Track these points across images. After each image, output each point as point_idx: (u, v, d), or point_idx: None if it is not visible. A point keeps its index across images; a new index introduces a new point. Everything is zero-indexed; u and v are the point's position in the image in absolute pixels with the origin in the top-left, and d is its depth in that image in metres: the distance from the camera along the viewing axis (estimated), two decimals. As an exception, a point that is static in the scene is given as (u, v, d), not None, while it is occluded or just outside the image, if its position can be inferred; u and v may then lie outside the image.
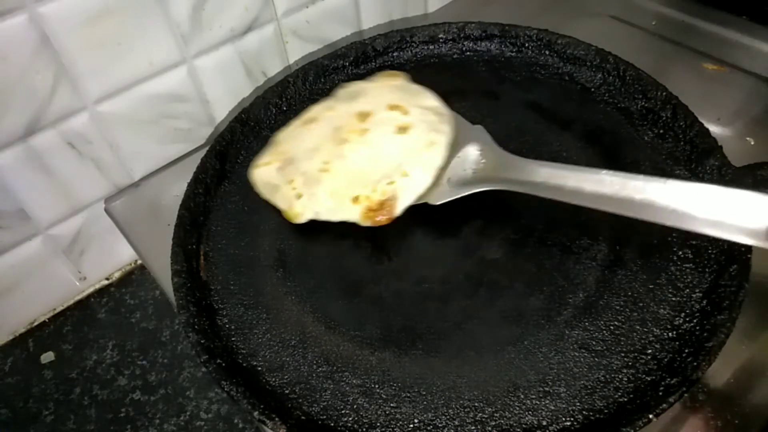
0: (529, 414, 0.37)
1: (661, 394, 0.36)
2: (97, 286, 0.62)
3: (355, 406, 0.38)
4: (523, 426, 0.36)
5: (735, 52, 0.62)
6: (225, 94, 0.62)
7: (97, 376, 0.54)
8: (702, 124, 0.48)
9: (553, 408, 0.37)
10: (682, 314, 0.40)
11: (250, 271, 0.46)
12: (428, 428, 0.37)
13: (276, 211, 0.48)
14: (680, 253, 0.43)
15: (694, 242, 0.43)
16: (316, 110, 0.52)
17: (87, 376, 0.54)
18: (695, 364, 0.36)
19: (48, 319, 0.59)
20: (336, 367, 0.40)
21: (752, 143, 0.54)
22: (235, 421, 0.50)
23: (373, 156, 0.46)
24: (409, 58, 0.61)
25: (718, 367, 0.36)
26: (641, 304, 0.41)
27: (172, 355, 0.55)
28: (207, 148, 0.52)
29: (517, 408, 0.37)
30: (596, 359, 0.39)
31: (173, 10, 0.53)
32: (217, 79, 0.60)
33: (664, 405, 0.34)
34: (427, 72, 0.60)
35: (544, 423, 0.36)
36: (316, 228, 0.47)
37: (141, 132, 0.57)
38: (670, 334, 0.39)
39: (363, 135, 0.47)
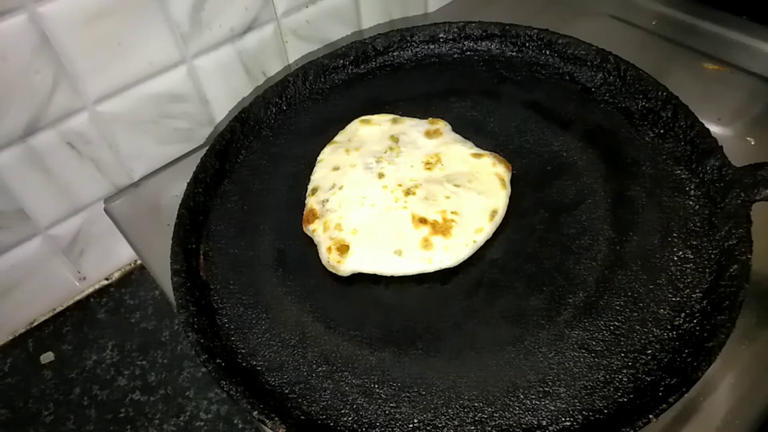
0: (528, 414, 0.37)
1: (661, 394, 0.36)
2: (97, 286, 0.62)
3: (354, 406, 0.38)
4: (523, 426, 0.36)
5: (735, 52, 0.62)
6: (225, 94, 0.62)
7: (97, 377, 0.54)
8: (702, 124, 0.47)
9: (552, 408, 0.37)
10: (682, 314, 0.40)
11: (249, 270, 0.46)
12: (428, 428, 0.37)
13: (275, 211, 0.48)
14: (680, 253, 0.43)
15: (694, 242, 0.43)
16: None
17: (87, 376, 0.54)
18: (695, 364, 0.36)
19: (48, 319, 0.59)
20: (336, 367, 0.40)
21: (752, 143, 0.54)
22: (235, 421, 0.50)
23: None
24: (409, 58, 0.61)
25: (718, 367, 0.36)
26: (641, 304, 0.41)
27: (172, 355, 0.55)
28: (207, 148, 0.52)
29: (517, 408, 0.37)
30: (596, 359, 0.39)
31: (173, 9, 0.53)
32: (216, 79, 0.60)
33: (664, 405, 0.34)
34: (427, 71, 0.60)
35: (544, 423, 0.36)
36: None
37: (141, 132, 0.57)
38: (670, 334, 0.39)
39: None
